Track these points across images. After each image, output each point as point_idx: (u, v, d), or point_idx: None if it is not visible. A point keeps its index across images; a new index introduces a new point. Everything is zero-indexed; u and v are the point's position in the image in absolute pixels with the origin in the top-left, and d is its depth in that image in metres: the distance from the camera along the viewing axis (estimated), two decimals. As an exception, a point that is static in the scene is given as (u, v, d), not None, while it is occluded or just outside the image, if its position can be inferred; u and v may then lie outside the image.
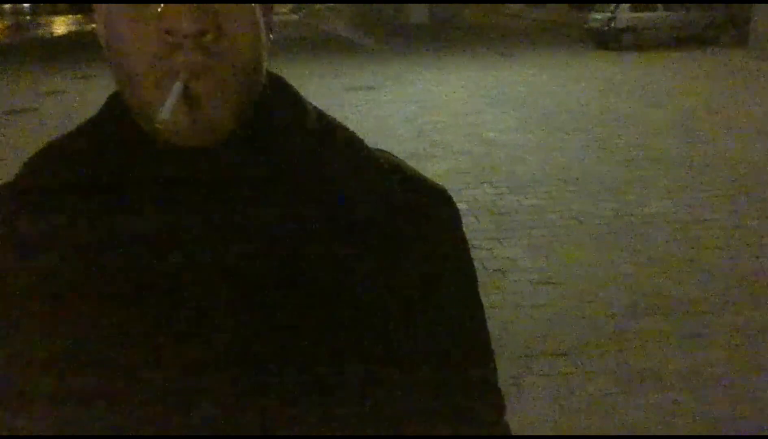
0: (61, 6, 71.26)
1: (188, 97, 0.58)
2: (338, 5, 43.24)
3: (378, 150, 0.74)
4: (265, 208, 0.63)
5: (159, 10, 0.57)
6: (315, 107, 0.74)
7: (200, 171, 0.63)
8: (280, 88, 0.71)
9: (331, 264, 0.64)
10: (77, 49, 24.83)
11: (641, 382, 3.30)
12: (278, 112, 0.68)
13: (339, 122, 0.74)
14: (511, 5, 40.47)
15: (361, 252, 0.65)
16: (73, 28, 41.61)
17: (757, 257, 4.68)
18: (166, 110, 0.57)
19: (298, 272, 0.63)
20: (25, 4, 77.66)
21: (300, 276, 0.63)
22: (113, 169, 0.65)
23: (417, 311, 0.69)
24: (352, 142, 0.72)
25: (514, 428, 2.48)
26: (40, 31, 38.22)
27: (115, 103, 0.69)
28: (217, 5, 0.58)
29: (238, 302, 0.62)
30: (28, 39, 31.87)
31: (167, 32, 0.57)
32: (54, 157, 0.70)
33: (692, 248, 4.90)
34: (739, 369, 3.39)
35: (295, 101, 0.72)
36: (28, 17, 63.50)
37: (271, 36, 0.66)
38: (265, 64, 0.65)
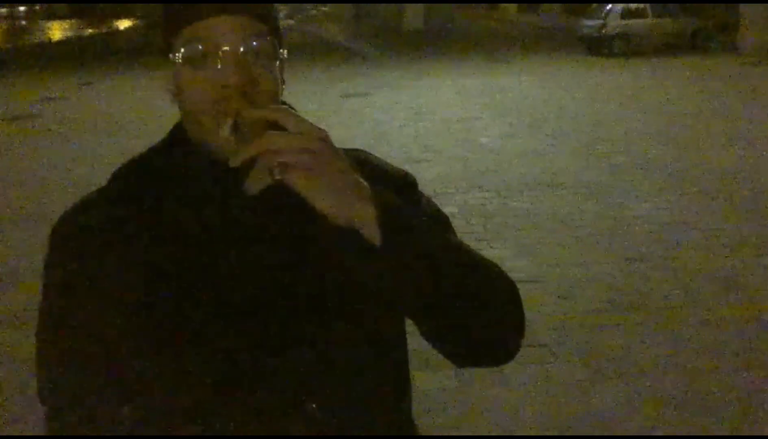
0: (59, 10, 71.35)
1: (236, 129, 0.87)
2: (334, 11, 43.56)
3: (352, 149, 1.03)
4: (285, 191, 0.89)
5: (219, 67, 0.88)
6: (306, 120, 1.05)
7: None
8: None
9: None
10: (75, 55, 25.08)
11: (611, 370, 3.59)
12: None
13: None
14: (506, 7, 40.88)
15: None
16: (70, 33, 41.73)
17: (728, 257, 4.99)
18: (222, 137, 0.87)
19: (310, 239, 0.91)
20: (21, 7, 77.64)
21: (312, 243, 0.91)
22: (180, 178, 0.95)
23: None
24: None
25: (499, 408, 2.92)
26: (37, 37, 38.35)
27: (178, 131, 0.99)
28: (252, 68, 0.88)
29: (269, 270, 0.91)
30: (26, 45, 32.03)
31: (222, 86, 0.87)
32: (135, 170, 0.99)
33: (668, 248, 5.20)
34: (706, 360, 3.67)
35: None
36: (24, 22, 63.24)
37: (284, 82, 0.96)
38: (280, 99, 0.95)
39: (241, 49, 0.88)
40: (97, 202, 0.98)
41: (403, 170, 1.07)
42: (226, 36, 0.88)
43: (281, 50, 0.95)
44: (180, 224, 0.92)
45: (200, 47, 0.89)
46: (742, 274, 4.69)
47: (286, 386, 0.91)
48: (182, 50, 0.90)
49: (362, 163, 0.96)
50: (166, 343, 0.90)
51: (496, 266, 0.97)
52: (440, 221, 1.04)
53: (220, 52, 0.88)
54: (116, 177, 1.00)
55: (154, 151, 1.01)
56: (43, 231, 4.40)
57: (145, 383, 0.91)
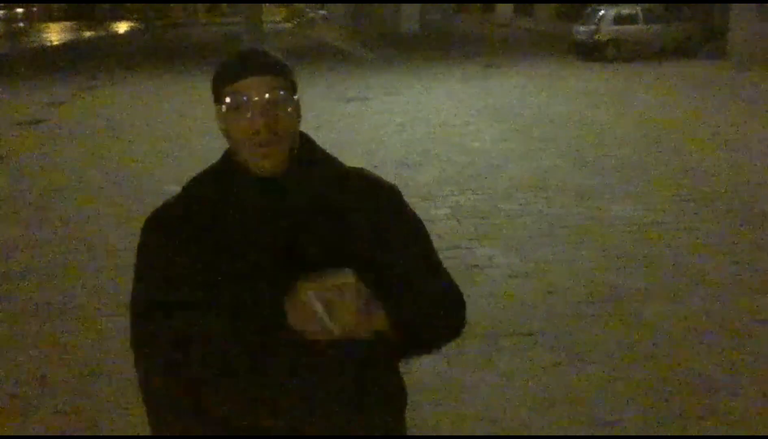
0: (56, 12, 71.42)
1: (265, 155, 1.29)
2: (332, 14, 43.90)
3: (352, 168, 1.48)
4: (305, 199, 1.35)
5: (249, 116, 1.30)
6: (320, 146, 1.47)
7: (275, 186, 1.35)
8: (304, 140, 1.44)
9: (344, 224, 1.36)
10: (77, 59, 25.38)
11: (588, 356, 3.99)
12: (304, 153, 1.41)
13: (330, 153, 1.47)
14: (502, 8, 41.30)
15: (356, 218, 1.38)
16: (69, 36, 41.93)
17: (700, 255, 5.40)
18: (318, 315, 1.26)
19: (329, 233, 1.34)
20: (19, 10, 77.64)
21: (330, 236, 1.34)
22: (228, 188, 1.35)
23: (387, 246, 1.40)
24: (336, 162, 1.46)
25: (486, 388, 3.50)
26: (37, 40, 38.55)
27: (228, 155, 1.40)
28: (274, 112, 1.30)
29: (287, 253, 1.33)
30: (26, 49, 32.26)
31: (253, 126, 1.30)
32: (199, 182, 1.41)
33: (645, 246, 5.61)
34: (675, 347, 4.07)
35: (312, 145, 1.45)
36: (21, 24, 63.10)
37: (300, 116, 1.38)
38: (298, 132, 1.36)
39: (266, 98, 1.31)
40: (173, 205, 1.42)
41: (390, 184, 1.49)
42: (255, 91, 1.31)
43: (295, 96, 1.38)
44: (228, 220, 1.35)
45: (239, 98, 1.31)
46: (710, 270, 5.10)
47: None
48: (227, 101, 1.33)
49: (362, 176, 1.44)
50: (220, 306, 1.31)
51: (452, 293, 1.48)
52: (419, 233, 1.48)
53: (251, 102, 1.31)
54: (187, 187, 1.43)
55: (212, 169, 1.44)
56: (60, 229, 5.14)
57: (206, 320, 1.32)
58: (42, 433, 3.42)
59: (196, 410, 1.33)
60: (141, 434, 3.30)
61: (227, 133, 1.36)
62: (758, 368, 3.80)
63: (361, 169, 1.50)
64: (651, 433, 3.29)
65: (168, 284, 1.34)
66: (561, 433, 3.30)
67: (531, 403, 3.56)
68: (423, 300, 1.42)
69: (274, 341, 1.29)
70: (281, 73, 1.34)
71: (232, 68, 1.33)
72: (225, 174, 1.39)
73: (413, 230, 1.48)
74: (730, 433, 3.25)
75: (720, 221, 6.16)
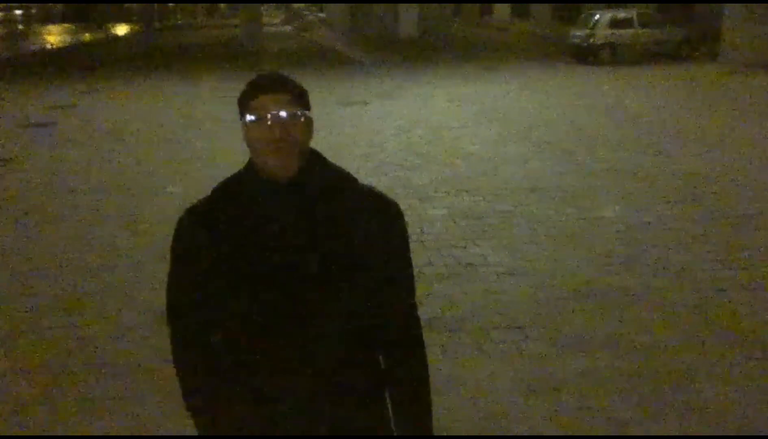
0: (55, 14, 71.49)
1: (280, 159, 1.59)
2: (331, 17, 44.17)
3: (367, 187, 1.75)
4: (314, 200, 1.63)
5: (268, 125, 1.58)
6: (330, 161, 1.75)
7: (288, 188, 1.63)
8: (313, 153, 1.72)
9: (350, 233, 1.64)
10: (78, 62, 25.62)
11: (573, 346, 4.27)
12: (313, 162, 1.69)
13: (338, 165, 1.75)
14: (499, 8, 41.59)
15: (361, 231, 1.66)
16: (68, 38, 42.06)
17: (681, 253, 5.69)
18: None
19: (334, 237, 1.62)
20: (17, 11, 77.68)
21: (336, 239, 1.62)
22: (250, 192, 1.64)
23: (378, 256, 1.68)
24: (346, 174, 1.74)
25: (478, 376, 3.89)
26: (37, 42, 38.70)
27: (250, 163, 1.68)
28: (288, 125, 1.59)
29: (309, 258, 1.61)
30: (26, 52, 32.45)
31: (271, 136, 1.58)
32: (225, 186, 1.71)
33: (631, 245, 5.90)
34: (655, 339, 4.35)
35: (320, 157, 1.73)
36: (20, 26, 63.07)
37: (311, 131, 1.67)
38: (309, 142, 1.65)
39: (282, 114, 1.59)
40: (201, 206, 1.71)
41: (392, 202, 1.76)
42: (273, 107, 1.59)
43: (307, 112, 1.66)
44: (249, 219, 1.64)
45: (260, 112, 1.60)
46: (691, 268, 5.39)
47: (304, 308, 1.62)
48: (250, 114, 1.61)
49: (369, 191, 1.73)
50: (237, 288, 1.62)
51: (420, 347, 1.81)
52: (405, 249, 1.77)
53: (269, 116, 1.58)
54: (215, 191, 1.71)
55: (236, 175, 1.72)
56: (71, 229, 5.57)
57: (227, 306, 1.64)
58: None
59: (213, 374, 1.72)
60: (142, 434, 3.58)
61: (250, 142, 1.63)
62: (734, 356, 4.09)
63: (369, 186, 1.77)
64: (650, 430, 3.57)
65: (195, 274, 1.66)
66: (548, 418, 3.58)
67: (520, 390, 3.84)
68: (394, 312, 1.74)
69: (280, 329, 1.61)
70: (294, 92, 1.62)
71: (255, 88, 1.62)
72: (247, 178, 1.67)
73: (402, 245, 1.75)
74: (709, 420, 3.54)
75: (704, 222, 6.45)
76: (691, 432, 3.43)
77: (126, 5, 62.59)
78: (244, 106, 1.63)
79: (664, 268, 5.41)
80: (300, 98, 1.63)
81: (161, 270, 6.15)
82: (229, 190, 1.68)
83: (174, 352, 1.78)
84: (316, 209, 1.63)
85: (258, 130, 1.58)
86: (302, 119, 1.61)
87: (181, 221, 1.70)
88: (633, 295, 4.96)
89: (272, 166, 1.58)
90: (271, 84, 1.61)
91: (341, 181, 1.71)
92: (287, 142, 1.57)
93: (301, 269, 1.59)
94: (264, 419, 1.65)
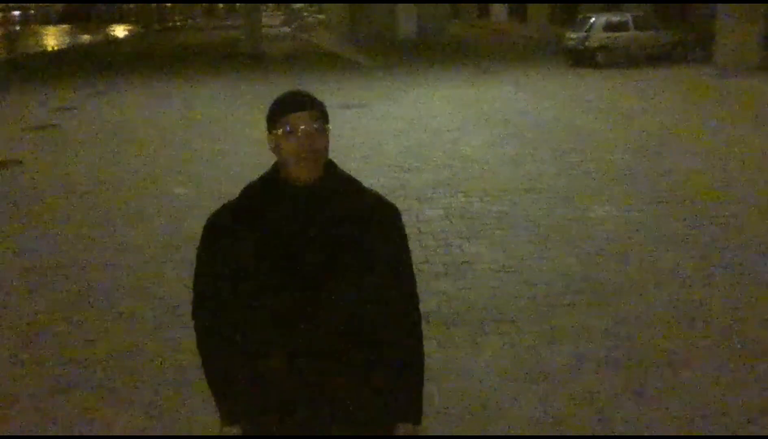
0: (54, 15, 71.54)
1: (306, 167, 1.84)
2: (330, 17, 44.40)
3: (372, 191, 2.01)
4: (332, 204, 1.90)
5: (298, 138, 1.85)
6: (338, 166, 2.00)
7: (308, 191, 1.89)
8: (329, 161, 1.95)
9: (359, 233, 1.90)
10: (79, 64, 25.82)
11: (562, 338, 4.52)
12: (328, 168, 1.95)
13: (346, 171, 2.00)
14: (496, 8, 41.81)
15: (367, 230, 1.92)
16: (68, 40, 42.16)
17: (668, 251, 5.94)
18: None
19: (343, 235, 1.88)
20: (16, 12, 77.68)
21: (345, 236, 1.88)
22: (274, 196, 1.89)
23: (380, 256, 1.93)
24: (354, 179, 2.00)
25: (472, 365, 4.23)
26: (38, 44, 38.81)
27: (275, 167, 1.92)
28: (313, 138, 1.86)
29: (326, 255, 1.87)
30: (26, 54, 32.58)
31: (299, 148, 1.85)
32: (251, 189, 1.95)
33: (621, 245, 6.15)
34: (640, 331, 4.60)
35: (333, 164, 1.99)
36: (18, 27, 63.00)
37: (329, 141, 1.92)
38: (328, 150, 1.89)
39: (308, 129, 1.85)
40: (229, 208, 1.96)
41: (392, 204, 2.02)
42: (301, 122, 1.86)
43: (327, 125, 1.92)
44: (272, 221, 1.89)
45: (288, 128, 1.86)
46: (678, 267, 5.64)
47: (320, 297, 1.88)
48: (282, 128, 1.86)
49: (373, 195, 1.98)
50: (260, 284, 1.87)
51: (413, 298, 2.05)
52: (405, 249, 2.02)
53: (298, 131, 1.85)
54: (241, 194, 1.96)
55: (262, 179, 1.96)
56: (83, 230, 5.96)
57: (250, 302, 1.89)
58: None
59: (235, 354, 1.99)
60: (146, 434, 3.83)
61: (278, 151, 1.88)
62: (713, 346, 4.34)
63: (372, 189, 2.02)
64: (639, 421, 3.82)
65: (223, 266, 1.92)
66: (540, 408, 3.82)
67: (513, 380, 4.09)
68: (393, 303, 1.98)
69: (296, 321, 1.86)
70: (319, 109, 1.89)
71: (285, 105, 1.88)
72: (272, 182, 1.93)
73: (401, 243, 2.01)
74: (696, 402, 3.78)
75: (691, 223, 6.70)
76: (671, 412, 3.68)
77: (125, 5, 62.68)
78: (275, 122, 1.88)
79: (651, 265, 5.66)
80: (322, 114, 1.90)
81: (169, 267, 6.44)
82: (257, 192, 1.94)
83: (198, 338, 2.02)
84: (329, 210, 1.88)
85: (289, 143, 1.84)
86: (325, 133, 1.88)
87: (207, 224, 1.96)
88: (621, 291, 5.21)
89: (300, 173, 1.85)
90: (300, 102, 1.87)
91: (350, 184, 1.96)
92: (315, 152, 1.84)
93: (315, 262, 1.85)
94: (278, 395, 1.90)
